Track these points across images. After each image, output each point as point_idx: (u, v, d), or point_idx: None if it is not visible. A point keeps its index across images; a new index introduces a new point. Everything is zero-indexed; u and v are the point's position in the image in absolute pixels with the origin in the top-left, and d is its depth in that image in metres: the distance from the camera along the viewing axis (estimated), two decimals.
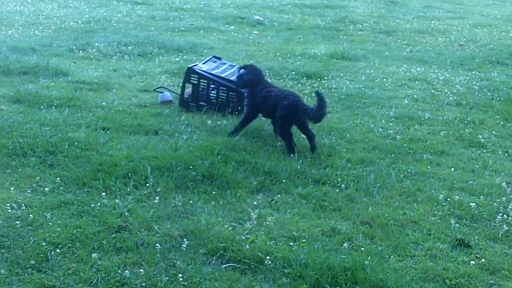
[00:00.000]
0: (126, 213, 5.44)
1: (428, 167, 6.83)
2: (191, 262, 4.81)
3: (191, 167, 6.31)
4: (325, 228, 5.40)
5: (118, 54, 11.08)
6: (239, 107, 8.15)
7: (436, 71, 11.02)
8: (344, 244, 5.15)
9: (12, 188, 5.85)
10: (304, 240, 5.18)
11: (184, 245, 5.00)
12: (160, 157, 6.50)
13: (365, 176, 6.47)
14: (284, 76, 10.14)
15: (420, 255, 5.10)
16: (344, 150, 7.17)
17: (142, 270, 4.68)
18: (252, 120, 7.56)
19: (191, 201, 5.73)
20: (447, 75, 10.74)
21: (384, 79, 10.30)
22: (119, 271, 4.65)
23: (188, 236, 5.13)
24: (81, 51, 11.14)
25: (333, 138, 7.54)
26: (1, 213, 5.36)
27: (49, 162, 6.40)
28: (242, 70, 7.74)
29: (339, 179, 6.34)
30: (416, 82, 10.26)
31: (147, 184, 5.99)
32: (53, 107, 8.02)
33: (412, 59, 11.84)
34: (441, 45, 13.29)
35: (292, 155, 6.90)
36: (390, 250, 5.14)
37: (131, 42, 11.77)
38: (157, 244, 4.99)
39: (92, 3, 16.06)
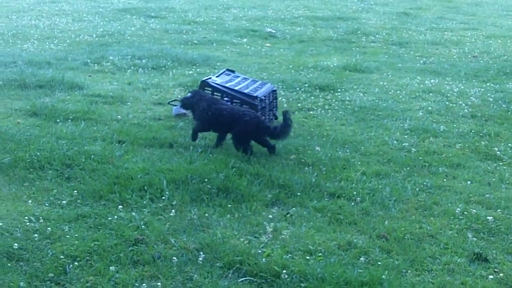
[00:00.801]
0: (142, 226, 5.46)
1: (444, 180, 6.82)
2: (207, 275, 4.83)
3: (206, 180, 6.33)
4: (341, 242, 5.40)
5: (132, 67, 11.15)
6: None
7: (450, 83, 11.01)
8: (361, 258, 5.15)
9: (30, 201, 5.90)
10: (320, 254, 5.18)
11: (200, 258, 5.02)
12: (176, 170, 6.53)
13: (380, 189, 6.47)
14: (297, 88, 10.16)
15: (438, 269, 5.09)
16: (359, 163, 7.17)
17: (159, 284, 4.70)
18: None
19: (206, 214, 5.75)
20: (462, 87, 10.73)
21: (398, 91, 10.30)
22: (137, 284, 4.68)
23: (204, 249, 5.15)
24: (96, 65, 11.21)
25: (348, 151, 7.55)
26: (19, 226, 5.40)
27: (66, 175, 6.44)
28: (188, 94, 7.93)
29: (354, 192, 6.34)
30: (430, 94, 10.25)
31: (163, 197, 6.02)
32: (69, 121, 8.08)
33: (425, 71, 11.83)
34: (455, 57, 13.28)
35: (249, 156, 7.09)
36: (407, 264, 5.13)
37: (145, 56, 11.84)
38: (174, 257, 5.01)
39: (106, 17, 16.16)
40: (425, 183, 6.68)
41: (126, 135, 7.61)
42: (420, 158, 7.41)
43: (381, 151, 7.61)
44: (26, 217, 5.53)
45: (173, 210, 5.78)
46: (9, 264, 4.86)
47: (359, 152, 7.53)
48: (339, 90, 10.23)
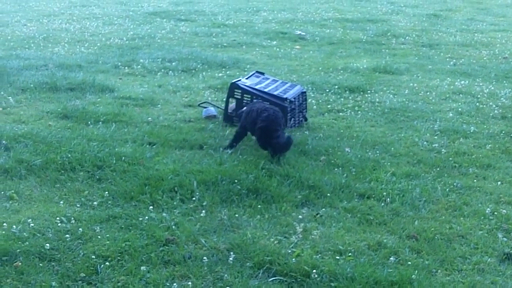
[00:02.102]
0: (173, 227, 5.51)
1: (474, 180, 6.77)
2: (238, 275, 4.85)
3: (236, 181, 6.36)
4: (371, 242, 5.40)
5: (162, 70, 11.23)
6: None
7: (481, 84, 10.92)
8: (391, 258, 5.14)
9: (61, 202, 5.97)
10: (350, 254, 5.18)
11: (231, 259, 5.04)
12: (206, 171, 6.56)
13: (410, 190, 6.44)
14: (327, 90, 10.16)
15: (468, 269, 5.07)
16: (389, 164, 7.15)
17: (190, 283, 4.73)
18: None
19: (236, 215, 5.78)
20: (492, 88, 10.64)
21: (428, 93, 10.24)
22: (167, 284, 4.72)
23: (234, 250, 5.17)
24: (126, 68, 11.31)
25: (377, 152, 7.53)
26: (51, 227, 5.47)
27: (97, 177, 6.51)
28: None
29: (384, 193, 6.33)
30: (461, 95, 10.18)
31: (193, 198, 6.06)
32: (100, 123, 8.16)
33: (456, 72, 11.75)
34: (485, 58, 13.17)
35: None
36: (437, 264, 5.11)
37: (175, 58, 11.92)
38: (204, 257, 5.04)
39: (136, 21, 16.29)
40: (455, 183, 6.64)
41: (157, 137, 7.67)
42: (450, 159, 7.36)
43: (411, 152, 7.58)
44: (58, 218, 5.60)
45: (203, 211, 5.82)
46: (41, 264, 4.93)
47: (389, 153, 7.51)
48: (369, 91, 10.21)
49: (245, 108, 7.78)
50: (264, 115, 7.24)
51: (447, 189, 6.51)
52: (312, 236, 5.44)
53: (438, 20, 17.81)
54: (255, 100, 8.11)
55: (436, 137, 8.13)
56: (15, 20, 15.84)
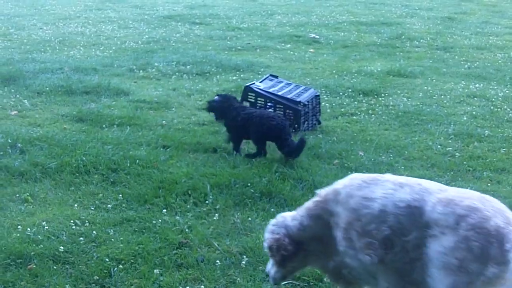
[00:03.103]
0: (186, 230, 5.54)
1: (489, 185, 6.75)
2: (250, 279, 4.87)
3: (249, 184, 6.39)
4: None
5: (177, 73, 11.27)
6: (295, 125, 8.21)
7: (495, 87, 10.88)
8: None
9: (75, 205, 6.02)
10: None
11: (243, 262, 5.06)
12: (219, 175, 6.59)
13: None
14: (341, 93, 10.16)
15: None
16: (402, 167, 7.14)
17: (202, 286, 4.76)
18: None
19: (249, 218, 5.79)
20: (507, 91, 10.60)
21: (442, 96, 10.21)
22: (180, 287, 4.75)
23: (247, 253, 5.19)
24: (141, 71, 11.36)
25: (391, 155, 7.52)
26: (65, 230, 5.52)
27: (112, 180, 6.56)
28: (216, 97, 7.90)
29: None
30: (475, 98, 10.15)
31: (207, 201, 6.08)
32: (115, 126, 8.21)
33: (470, 76, 11.71)
34: (499, 61, 13.11)
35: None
36: None
37: (190, 62, 11.96)
38: (217, 261, 5.06)
39: (151, 24, 16.36)
40: (469, 187, 6.60)
41: (171, 140, 7.70)
42: (464, 163, 7.35)
43: (425, 155, 7.57)
44: (72, 221, 5.65)
45: (216, 214, 5.85)
46: (55, 267, 4.97)
47: (402, 157, 7.50)
48: (382, 95, 10.19)
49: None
50: (273, 123, 7.31)
51: None
52: None
53: (452, 23, 17.75)
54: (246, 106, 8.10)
55: (450, 141, 8.11)
56: (31, 23, 15.96)
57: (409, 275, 3.74)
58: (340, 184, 4.07)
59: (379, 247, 3.77)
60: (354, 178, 4.04)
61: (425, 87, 10.76)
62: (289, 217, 4.28)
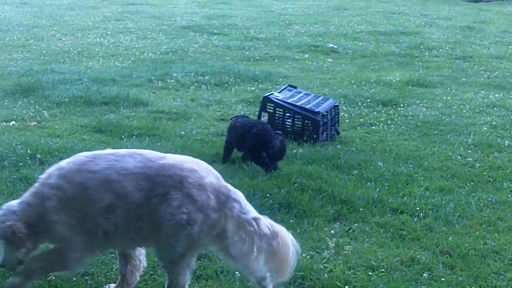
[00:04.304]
0: None
1: (509, 195, 6.70)
2: None
3: (268, 195, 6.38)
4: (404, 258, 5.37)
5: (195, 84, 11.29)
6: (314, 136, 8.19)
7: None
8: (424, 274, 5.11)
9: None
10: (382, 270, 5.16)
11: None
12: (238, 186, 6.52)
13: (444, 204, 6.40)
14: (359, 103, 10.13)
15: (502, 285, 5.02)
16: (422, 178, 7.10)
17: None
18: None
19: None
20: None
21: (462, 106, 10.16)
22: None
23: None
24: (159, 82, 11.40)
25: (411, 166, 7.48)
26: None
27: None
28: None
29: (418, 208, 6.29)
30: (495, 108, 10.08)
31: None
32: (134, 137, 8.24)
33: (490, 85, 11.64)
34: None
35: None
36: (471, 281, 5.06)
37: (208, 72, 11.97)
38: (236, 272, 5.05)
39: (169, 35, 16.42)
40: (489, 198, 6.58)
41: (190, 150, 7.69)
42: (485, 173, 7.29)
43: (445, 166, 7.52)
44: None
45: None
46: (74, 278, 4.97)
47: (422, 168, 7.46)
48: (401, 105, 10.15)
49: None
50: (253, 131, 7.29)
51: (481, 204, 6.45)
52: (345, 252, 5.43)
53: (471, 33, 17.66)
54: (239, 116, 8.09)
55: (470, 151, 8.06)
56: (50, 34, 16.07)
57: (140, 232, 4.31)
58: (64, 161, 4.46)
59: (105, 213, 4.24)
60: (78, 156, 4.46)
61: (444, 97, 10.71)
62: (15, 203, 4.46)
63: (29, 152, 7.43)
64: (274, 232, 4.31)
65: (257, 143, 7.26)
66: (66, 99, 9.88)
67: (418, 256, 5.40)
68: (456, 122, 9.27)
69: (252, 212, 4.42)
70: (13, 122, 8.80)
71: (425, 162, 7.61)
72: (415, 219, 6.11)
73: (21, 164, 7.16)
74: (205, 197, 4.24)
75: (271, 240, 4.28)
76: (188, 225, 4.19)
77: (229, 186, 4.48)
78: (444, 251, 5.50)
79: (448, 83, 11.79)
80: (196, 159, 4.50)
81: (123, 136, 8.26)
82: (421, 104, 10.23)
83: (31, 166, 7.11)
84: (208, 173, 4.42)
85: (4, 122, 8.81)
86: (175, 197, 4.19)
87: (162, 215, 4.21)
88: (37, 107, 9.56)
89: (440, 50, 15.05)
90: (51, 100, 9.92)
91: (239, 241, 4.29)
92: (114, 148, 7.58)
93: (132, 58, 13.45)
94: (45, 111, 9.32)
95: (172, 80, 11.50)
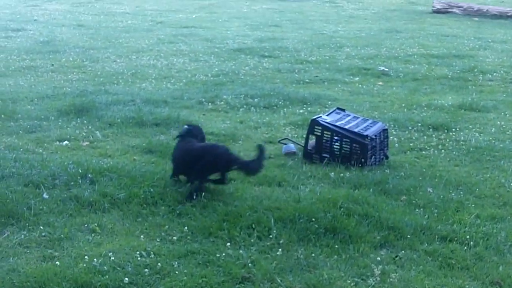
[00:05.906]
0: (249, 264, 5.52)
1: None
2: None
3: (313, 219, 6.33)
4: None
5: (245, 106, 11.33)
6: (362, 159, 8.12)
7: None
8: None
9: (142, 236, 6.08)
10: None
11: None
12: (283, 209, 6.56)
13: (495, 233, 6.26)
14: (410, 127, 10.01)
15: None
16: (473, 205, 6.97)
17: None
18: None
19: (313, 254, 5.74)
20: None
21: None
22: None
23: None
24: (210, 104, 11.47)
25: (461, 193, 7.35)
26: (131, 261, 5.57)
27: (178, 212, 6.60)
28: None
29: (468, 236, 6.16)
30: None
31: (270, 236, 6.06)
32: None
33: None
34: None
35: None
36: None
37: (257, 95, 12.00)
38: None
39: (221, 57, 16.54)
40: None
41: (237, 173, 7.72)
42: None
43: (497, 193, 7.37)
44: (138, 252, 5.70)
45: (280, 249, 5.81)
46: None
47: (473, 194, 7.33)
48: (453, 129, 10.00)
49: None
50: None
51: None
52: (390, 280, 5.35)
53: None
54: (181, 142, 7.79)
55: None
56: (105, 56, 16.35)
57: None
58: None
59: None
60: None
61: (498, 122, 10.52)
62: None
63: (80, 171, 7.54)
64: None
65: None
66: (119, 120, 10.02)
67: (467, 286, 5.29)
68: (509, 148, 9.08)
69: None
70: (66, 142, 8.96)
71: (477, 189, 7.47)
72: (465, 247, 5.99)
73: (72, 183, 7.27)
74: None
75: None
76: None
77: None
78: (494, 282, 5.38)
79: (502, 107, 11.58)
80: None
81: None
82: (473, 129, 10.06)
83: (82, 185, 7.21)
84: None
85: (57, 142, 8.97)
86: None
87: None
88: (90, 127, 9.71)
89: (495, 74, 14.81)
90: (104, 120, 10.06)
91: None
92: (165, 168, 7.70)
93: (184, 80, 13.58)
94: (97, 131, 9.47)
95: (222, 102, 11.56)
